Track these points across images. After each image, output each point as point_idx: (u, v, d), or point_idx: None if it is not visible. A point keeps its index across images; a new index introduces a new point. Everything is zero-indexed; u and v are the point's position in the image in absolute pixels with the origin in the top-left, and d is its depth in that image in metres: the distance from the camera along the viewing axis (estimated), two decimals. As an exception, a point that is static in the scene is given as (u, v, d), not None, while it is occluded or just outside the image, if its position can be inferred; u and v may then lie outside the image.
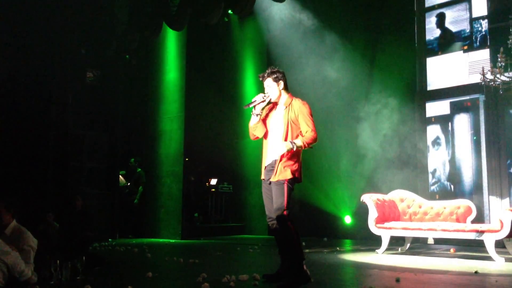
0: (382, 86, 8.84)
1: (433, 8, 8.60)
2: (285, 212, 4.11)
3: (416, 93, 8.64)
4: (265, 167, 4.38)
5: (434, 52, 8.52)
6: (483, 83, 6.79)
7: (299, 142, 4.14)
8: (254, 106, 4.42)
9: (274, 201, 4.19)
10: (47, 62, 9.32)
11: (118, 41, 9.86)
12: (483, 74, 6.68)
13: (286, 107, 4.32)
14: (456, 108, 8.27)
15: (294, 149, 4.11)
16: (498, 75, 6.59)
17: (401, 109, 8.66)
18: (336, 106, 9.30)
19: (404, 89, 8.76)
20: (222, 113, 11.28)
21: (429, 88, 8.56)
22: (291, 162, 4.20)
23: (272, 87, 4.40)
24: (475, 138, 7.99)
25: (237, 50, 11.26)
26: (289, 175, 4.16)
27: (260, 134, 4.45)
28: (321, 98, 8.91)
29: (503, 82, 6.61)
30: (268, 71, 4.45)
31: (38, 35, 9.07)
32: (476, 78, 7.41)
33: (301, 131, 4.24)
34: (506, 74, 6.57)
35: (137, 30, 9.66)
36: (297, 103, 4.30)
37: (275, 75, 4.39)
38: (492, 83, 6.64)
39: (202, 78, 10.72)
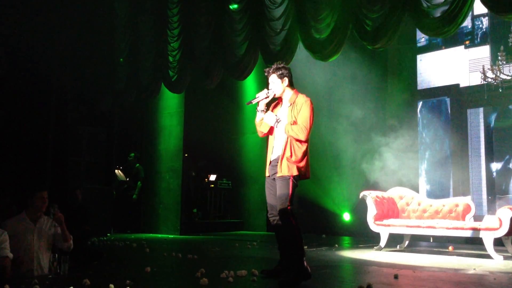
0: (382, 84, 8.83)
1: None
2: (288, 207, 4.08)
3: (410, 91, 8.65)
4: (270, 162, 4.35)
5: (438, 47, 8.51)
6: (484, 81, 6.78)
7: (284, 126, 4.20)
8: (258, 103, 4.40)
9: (278, 195, 4.14)
10: (47, 58, 9.32)
11: (114, 97, 9.99)
12: (484, 73, 6.67)
13: (291, 104, 4.28)
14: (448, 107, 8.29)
15: (275, 124, 4.23)
16: (498, 73, 6.58)
17: (399, 107, 8.66)
18: (337, 102, 9.26)
19: (401, 87, 8.76)
20: (221, 109, 11.23)
21: (424, 86, 8.56)
22: (298, 159, 4.15)
23: (276, 84, 4.34)
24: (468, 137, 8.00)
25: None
26: (295, 172, 4.12)
27: (265, 130, 4.42)
28: (323, 93, 8.90)
29: (503, 80, 6.60)
30: (274, 66, 4.37)
31: (39, 31, 9.06)
32: (466, 78, 7.43)
33: None
34: (506, 72, 6.56)
35: (135, 90, 9.77)
36: (301, 99, 4.25)
37: (280, 72, 4.33)
38: (493, 81, 6.63)
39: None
